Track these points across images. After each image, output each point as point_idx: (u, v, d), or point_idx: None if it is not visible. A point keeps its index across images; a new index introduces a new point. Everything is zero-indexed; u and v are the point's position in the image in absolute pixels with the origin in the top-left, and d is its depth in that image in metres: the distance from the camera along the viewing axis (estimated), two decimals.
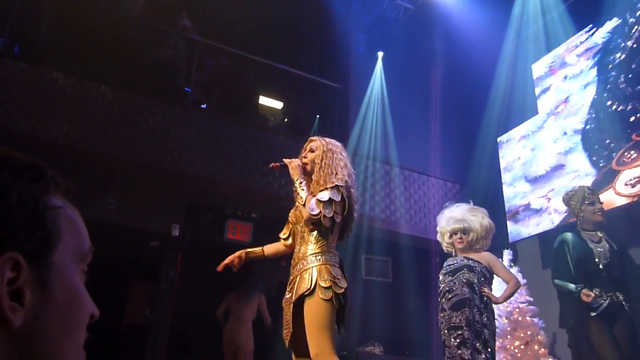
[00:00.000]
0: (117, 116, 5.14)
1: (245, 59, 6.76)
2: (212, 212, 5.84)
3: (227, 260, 2.58)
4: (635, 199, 4.21)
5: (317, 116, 7.67)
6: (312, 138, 2.69)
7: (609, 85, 4.74)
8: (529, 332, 4.61)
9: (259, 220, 5.92)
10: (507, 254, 5.08)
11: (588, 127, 4.91)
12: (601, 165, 4.66)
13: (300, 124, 8.22)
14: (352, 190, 2.52)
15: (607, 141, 4.64)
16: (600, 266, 3.35)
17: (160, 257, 5.53)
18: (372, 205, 6.10)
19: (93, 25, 5.30)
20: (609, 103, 4.69)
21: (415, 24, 7.34)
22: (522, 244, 5.53)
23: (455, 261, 3.48)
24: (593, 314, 3.28)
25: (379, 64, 7.15)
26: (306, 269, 2.35)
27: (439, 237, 3.73)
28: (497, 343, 3.63)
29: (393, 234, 6.24)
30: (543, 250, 5.29)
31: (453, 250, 3.61)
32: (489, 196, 5.82)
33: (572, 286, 3.35)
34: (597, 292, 3.28)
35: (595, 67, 4.99)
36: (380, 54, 7.17)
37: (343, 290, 2.32)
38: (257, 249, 2.68)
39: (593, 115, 4.88)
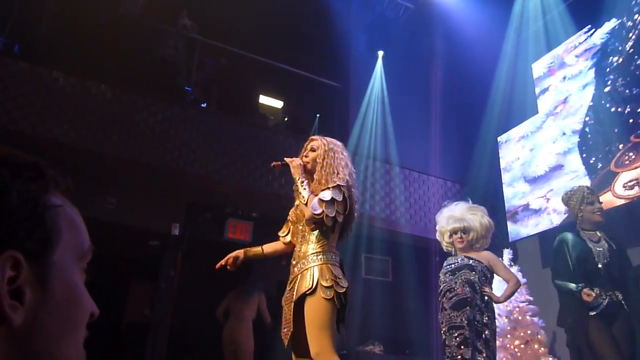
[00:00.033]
0: (117, 115, 5.14)
1: (245, 58, 6.76)
2: (212, 212, 5.84)
3: (222, 261, 2.57)
4: (633, 200, 4.21)
5: (317, 115, 7.67)
6: (312, 137, 2.69)
7: (607, 88, 4.75)
8: (528, 331, 4.62)
9: (259, 219, 5.92)
10: (507, 253, 5.08)
11: (587, 128, 4.91)
12: (599, 167, 4.66)
13: (300, 123, 8.22)
14: (353, 190, 2.52)
15: (606, 143, 4.65)
16: (600, 265, 3.35)
17: (160, 257, 5.54)
18: (372, 205, 6.10)
19: (93, 25, 5.30)
20: (607, 105, 4.70)
21: (415, 23, 7.34)
22: (522, 243, 5.53)
23: (455, 260, 3.47)
24: (592, 313, 3.29)
25: (379, 64, 7.15)
26: (307, 268, 2.34)
27: (438, 237, 3.72)
28: (497, 342, 3.63)
29: (393, 233, 6.24)
30: (543, 249, 5.29)
31: (453, 249, 3.60)
32: (489, 195, 5.82)
33: (572, 286, 3.35)
34: (597, 292, 3.28)
35: (594, 69, 5.00)
36: (380, 54, 7.18)
37: (344, 289, 2.32)
38: (257, 248, 2.67)
39: (592, 116, 4.88)
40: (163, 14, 6.27)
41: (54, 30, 5.57)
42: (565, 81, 5.34)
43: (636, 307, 3.36)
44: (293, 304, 2.32)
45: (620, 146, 4.49)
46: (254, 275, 5.89)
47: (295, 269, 2.42)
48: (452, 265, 3.46)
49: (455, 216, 3.54)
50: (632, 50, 4.58)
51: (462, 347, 3.16)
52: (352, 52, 7.23)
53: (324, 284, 2.27)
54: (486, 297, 3.32)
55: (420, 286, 6.27)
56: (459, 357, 3.15)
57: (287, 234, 2.66)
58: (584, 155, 4.88)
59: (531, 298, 4.79)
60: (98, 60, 5.37)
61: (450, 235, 3.55)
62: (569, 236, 3.54)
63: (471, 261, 3.40)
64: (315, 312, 2.24)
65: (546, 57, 5.70)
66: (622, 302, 3.30)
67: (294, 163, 2.57)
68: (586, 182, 4.57)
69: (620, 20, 4.78)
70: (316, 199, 2.38)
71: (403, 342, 6.20)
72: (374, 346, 5.95)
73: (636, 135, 4.39)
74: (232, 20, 7.00)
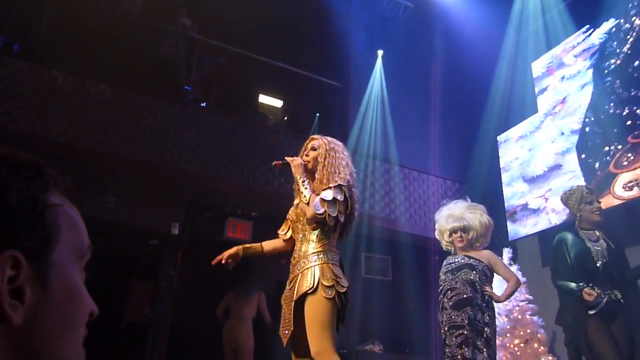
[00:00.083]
0: (117, 114, 5.14)
1: (245, 57, 6.75)
2: (211, 211, 5.84)
3: (219, 257, 2.51)
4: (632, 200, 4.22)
5: (317, 114, 7.66)
6: (313, 136, 2.69)
7: (605, 89, 4.75)
8: (528, 330, 4.62)
9: (259, 218, 5.92)
10: (506, 252, 5.08)
11: (586, 128, 4.92)
12: (597, 167, 4.67)
13: (300, 122, 8.21)
14: (353, 189, 2.52)
15: (604, 143, 4.66)
16: (598, 265, 3.35)
17: (160, 256, 5.53)
18: (371, 204, 6.10)
19: (93, 24, 5.29)
20: (606, 107, 4.71)
21: (415, 22, 7.34)
22: (521, 242, 5.53)
23: (456, 260, 3.46)
24: (591, 312, 3.29)
25: (379, 63, 7.15)
26: (308, 268, 2.34)
27: (437, 236, 3.71)
28: (497, 341, 3.63)
29: (393, 232, 6.24)
30: (543, 248, 5.30)
31: (452, 248, 3.59)
32: (489, 194, 5.82)
33: (573, 285, 3.35)
34: (597, 291, 3.28)
35: (592, 69, 5.01)
36: (380, 53, 7.17)
37: (345, 289, 2.33)
38: (256, 245, 2.66)
39: (590, 117, 4.89)
40: (163, 14, 6.27)
41: (53, 29, 5.56)
42: (564, 81, 5.34)
43: (635, 306, 3.36)
44: (293, 303, 2.32)
45: (619, 147, 4.49)
46: (254, 275, 5.89)
47: (296, 268, 2.42)
48: (453, 265, 3.45)
49: (455, 215, 3.53)
50: (630, 52, 4.59)
51: (463, 347, 3.16)
52: (352, 51, 7.23)
53: (325, 283, 2.27)
54: (487, 297, 3.32)
55: (420, 285, 6.27)
56: (459, 356, 3.14)
57: (287, 232, 2.65)
58: (582, 155, 4.89)
59: (531, 297, 4.79)
60: (98, 60, 5.37)
61: (450, 234, 3.54)
62: (568, 235, 3.54)
63: (472, 260, 3.39)
64: (316, 311, 2.24)
65: (545, 57, 5.70)
66: (621, 301, 3.30)
67: (295, 162, 2.56)
68: (584, 182, 4.58)
69: (617, 21, 4.79)
70: (318, 198, 2.37)
71: (403, 341, 6.20)
72: (373, 345, 5.96)
73: (634, 136, 4.39)
74: (232, 20, 7.00)
